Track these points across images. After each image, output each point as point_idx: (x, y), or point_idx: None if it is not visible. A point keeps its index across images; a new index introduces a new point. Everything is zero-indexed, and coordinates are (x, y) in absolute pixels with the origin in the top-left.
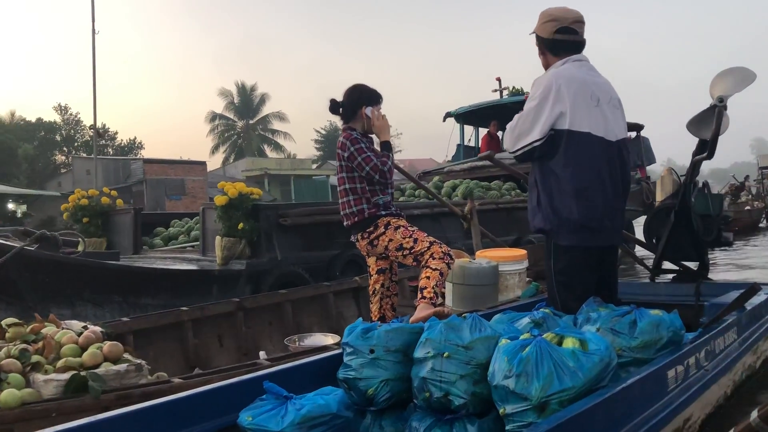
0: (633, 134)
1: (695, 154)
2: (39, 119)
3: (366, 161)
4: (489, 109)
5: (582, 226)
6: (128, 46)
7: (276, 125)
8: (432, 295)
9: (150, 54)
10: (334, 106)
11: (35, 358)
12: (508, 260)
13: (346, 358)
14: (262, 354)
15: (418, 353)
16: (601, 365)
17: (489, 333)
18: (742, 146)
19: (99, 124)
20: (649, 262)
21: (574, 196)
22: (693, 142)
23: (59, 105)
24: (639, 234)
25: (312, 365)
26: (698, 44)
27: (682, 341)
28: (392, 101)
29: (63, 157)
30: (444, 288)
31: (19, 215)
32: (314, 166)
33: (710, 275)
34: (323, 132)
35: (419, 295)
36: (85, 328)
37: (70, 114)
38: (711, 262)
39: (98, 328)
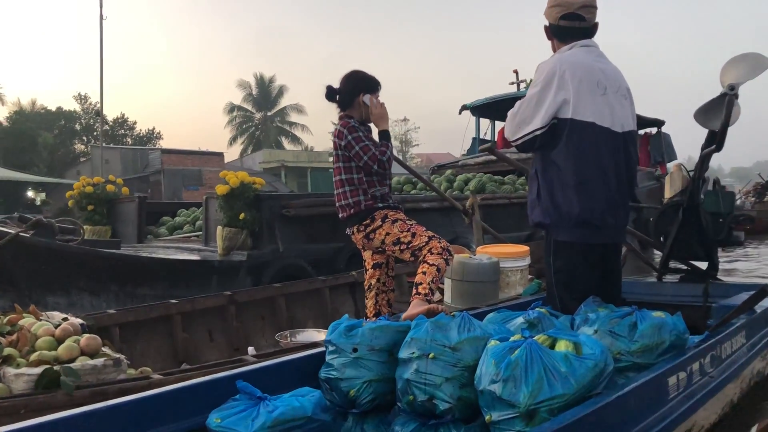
0: (654, 130)
1: (704, 147)
2: (59, 108)
3: (364, 150)
4: (505, 102)
5: (583, 222)
6: (149, 37)
7: (294, 117)
8: (427, 291)
9: (171, 45)
10: (330, 93)
11: (8, 350)
12: (510, 256)
13: (328, 357)
14: (250, 350)
15: (403, 353)
16: (595, 371)
17: (478, 333)
18: (766, 144)
19: (118, 114)
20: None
21: (576, 190)
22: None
23: (79, 94)
24: None
25: (295, 363)
26: (724, 37)
27: (686, 345)
28: (411, 95)
29: (82, 146)
30: (440, 284)
31: (38, 203)
32: (331, 158)
33: (739, 277)
34: None
35: (414, 291)
36: (65, 319)
37: (90, 103)
38: (733, 261)
39: (79, 320)
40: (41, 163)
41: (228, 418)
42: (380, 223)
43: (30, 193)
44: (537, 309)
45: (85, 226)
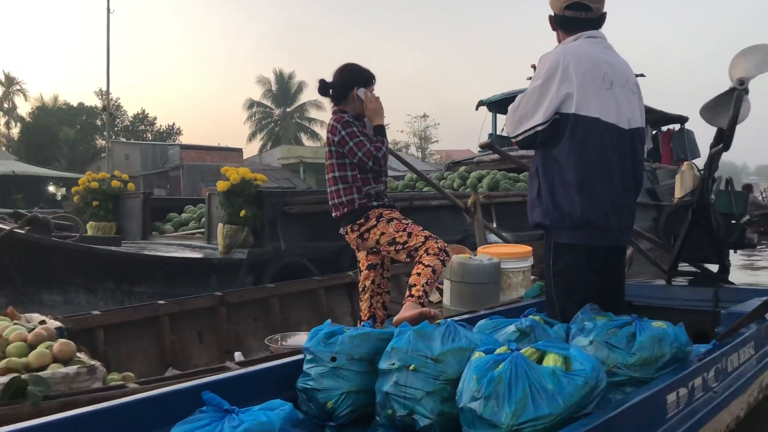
0: (677, 126)
1: (713, 146)
2: (81, 104)
3: (358, 146)
4: None
5: (585, 223)
6: (172, 33)
7: (313, 113)
8: (421, 293)
9: (192, 41)
10: (323, 87)
11: None
12: (512, 257)
13: (305, 366)
14: (237, 355)
15: (383, 364)
16: (584, 389)
17: (463, 344)
18: None
19: (138, 110)
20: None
21: (578, 189)
22: (744, 134)
23: (100, 90)
24: None
25: (273, 372)
26: (748, 35)
27: (689, 358)
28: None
29: (103, 142)
30: (438, 285)
31: (58, 198)
32: None
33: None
34: None
35: (407, 293)
36: (43, 322)
37: (111, 99)
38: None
39: (56, 324)
40: (62, 158)
41: None
42: (375, 222)
43: (51, 188)
44: (530, 316)
45: (90, 222)
